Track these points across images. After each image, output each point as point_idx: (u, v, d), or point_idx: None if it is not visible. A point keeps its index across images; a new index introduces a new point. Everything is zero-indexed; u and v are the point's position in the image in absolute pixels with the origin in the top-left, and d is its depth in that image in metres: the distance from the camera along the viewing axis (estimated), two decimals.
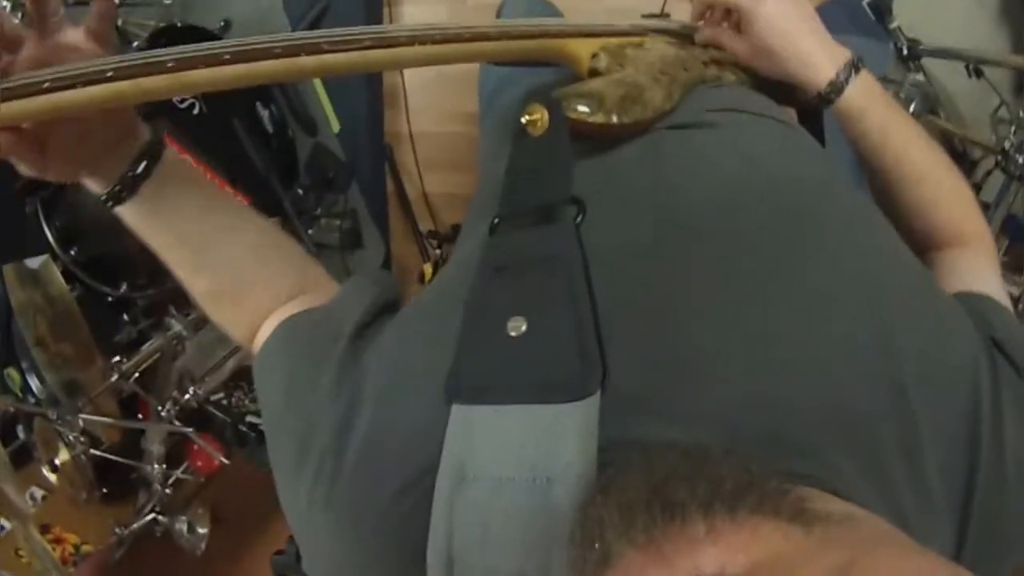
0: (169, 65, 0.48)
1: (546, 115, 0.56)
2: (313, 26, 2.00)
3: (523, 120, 0.57)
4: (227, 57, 0.50)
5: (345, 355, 0.51)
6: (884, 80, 2.02)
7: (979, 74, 1.90)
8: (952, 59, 1.96)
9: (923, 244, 0.72)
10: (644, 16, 0.86)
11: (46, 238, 1.57)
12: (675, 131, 0.63)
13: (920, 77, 2.02)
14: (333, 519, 0.46)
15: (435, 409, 0.44)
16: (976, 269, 0.67)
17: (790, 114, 0.77)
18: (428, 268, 2.20)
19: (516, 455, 0.41)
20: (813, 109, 0.78)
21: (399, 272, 2.42)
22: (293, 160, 2.13)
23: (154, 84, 0.48)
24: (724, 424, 0.43)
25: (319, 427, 0.48)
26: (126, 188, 0.56)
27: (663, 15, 0.89)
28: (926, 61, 2.07)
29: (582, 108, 0.58)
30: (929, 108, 2.11)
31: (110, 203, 0.57)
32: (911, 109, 1.90)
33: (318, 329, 0.55)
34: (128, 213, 0.58)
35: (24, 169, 0.53)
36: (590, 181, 0.55)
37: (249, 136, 1.89)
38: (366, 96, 2.18)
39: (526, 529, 0.39)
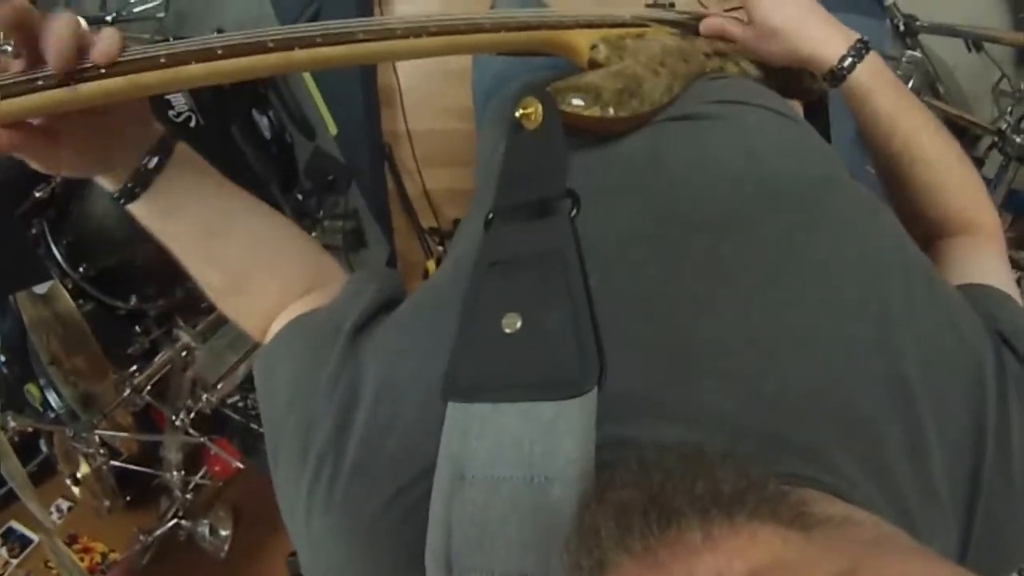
0: (162, 61, 0.48)
1: (540, 109, 0.55)
2: None
3: (517, 114, 0.56)
4: (220, 52, 0.50)
5: (343, 355, 0.50)
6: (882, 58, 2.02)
7: (979, 48, 1.90)
8: (949, 35, 1.95)
9: (931, 232, 0.71)
10: (648, 6, 0.86)
11: (47, 265, 1.58)
12: (675, 123, 0.62)
13: (917, 54, 2.02)
14: (332, 521, 0.46)
15: (431, 408, 0.44)
16: (984, 259, 0.66)
17: (795, 108, 0.77)
18: (431, 264, 2.21)
19: (513, 454, 0.40)
20: (818, 102, 0.78)
21: (404, 269, 2.42)
22: (293, 165, 2.14)
23: (148, 80, 0.48)
24: (724, 424, 0.42)
25: (317, 428, 0.48)
26: (139, 183, 0.56)
27: (667, 5, 0.88)
28: (924, 37, 2.06)
29: (577, 102, 0.57)
30: (928, 84, 2.10)
31: (123, 200, 0.57)
32: (909, 86, 1.90)
33: (319, 330, 0.55)
34: (141, 209, 0.58)
35: (37, 165, 0.52)
36: (587, 175, 0.55)
37: (248, 144, 1.89)
38: (362, 97, 2.18)
39: (524, 529, 0.39)
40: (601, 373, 0.41)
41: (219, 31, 1.97)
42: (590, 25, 0.69)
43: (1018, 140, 1.71)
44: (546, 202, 0.51)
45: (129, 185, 0.56)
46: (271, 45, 0.51)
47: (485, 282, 0.48)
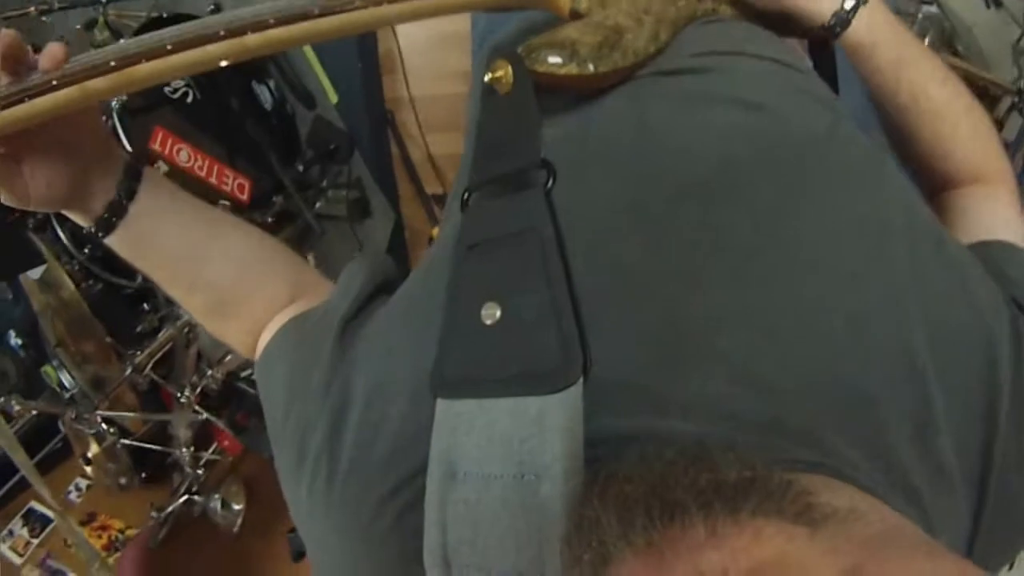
0: (111, 64, 0.47)
1: (511, 71, 0.52)
2: None
3: (487, 78, 0.53)
4: (169, 48, 0.48)
5: (334, 353, 0.50)
6: (896, 13, 1.96)
7: (998, 4, 1.84)
8: None
9: (940, 183, 0.68)
10: None
11: (40, 250, 1.60)
12: (662, 77, 0.59)
13: (933, 9, 1.96)
14: (332, 519, 0.46)
15: (422, 405, 0.43)
16: (995, 209, 0.64)
17: (796, 51, 0.72)
18: (436, 232, 2.20)
19: (502, 451, 0.39)
20: (824, 45, 0.73)
21: (411, 236, 2.42)
22: (294, 135, 2.13)
23: (99, 86, 0.47)
24: (721, 411, 0.41)
25: (312, 431, 0.48)
26: (115, 213, 0.56)
27: None
28: None
29: (553, 59, 0.54)
30: (946, 41, 2.04)
31: (101, 232, 0.57)
32: (925, 43, 1.84)
33: (311, 329, 0.54)
34: (118, 241, 0.57)
35: (6, 196, 0.52)
36: (565, 141, 0.52)
37: (248, 116, 1.88)
38: (361, 64, 2.16)
39: (517, 527, 0.38)
40: (585, 363, 0.39)
41: (216, 6, 1.96)
42: None
43: None
44: (520, 174, 0.48)
45: (105, 215, 0.56)
46: (222, 33, 0.49)
47: (464, 268, 0.46)
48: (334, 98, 2.17)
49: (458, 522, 0.39)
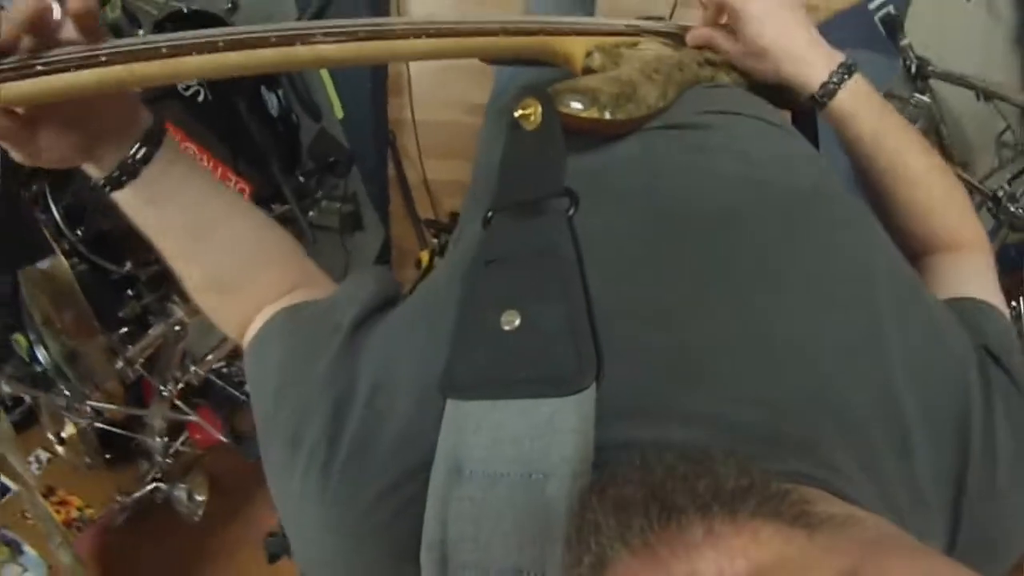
0: (163, 51, 0.49)
1: (540, 109, 0.57)
2: (319, 14, 2.01)
3: (517, 114, 0.57)
4: (220, 44, 0.50)
5: (342, 348, 0.51)
6: (890, 96, 2.04)
7: (988, 97, 1.92)
8: (959, 85, 1.97)
9: (919, 249, 0.72)
10: (640, 18, 0.87)
11: (49, 240, 1.59)
12: (669, 130, 0.63)
13: (925, 98, 2.04)
14: (324, 511, 0.46)
15: (429, 405, 0.45)
16: (971, 273, 0.67)
17: (784, 117, 0.78)
18: (425, 255, 2.21)
19: (512, 450, 0.41)
20: (808, 112, 0.79)
21: (398, 256, 2.43)
22: (297, 144, 2.14)
23: (147, 70, 0.49)
24: (722, 423, 0.43)
25: (311, 418, 0.48)
26: (126, 173, 0.56)
27: (659, 18, 0.90)
28: (934, 81, 2.08)
29: (575, 104, 0.59)
30: (933, 129, 2.12)
31: (108, 187, 0.57)
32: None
33: (317, 320, 0.55)
34: (125, 198, 0.58)
35: (16, 155, 0.53)
36: (585, 176, 0.56)
37: (253, 120, 1.89)
38: (370, 83, 2.20)
39: (521, 525, 0.39)
40: (599, 371, 0.42)
41: (232, 4, 1.98)
42: (586, 32, 0.71)
43: (1012, 209, 1.71)
44: (544, 200, 0.52)
45: (115, 174, 0.56)
46: (273, 40, 0.53)
47: (483, 279, 0.49)
48: (340, 113, 2.19)
49: (461, 519, 0.40)
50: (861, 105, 0.73)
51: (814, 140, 0.83)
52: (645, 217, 0.54)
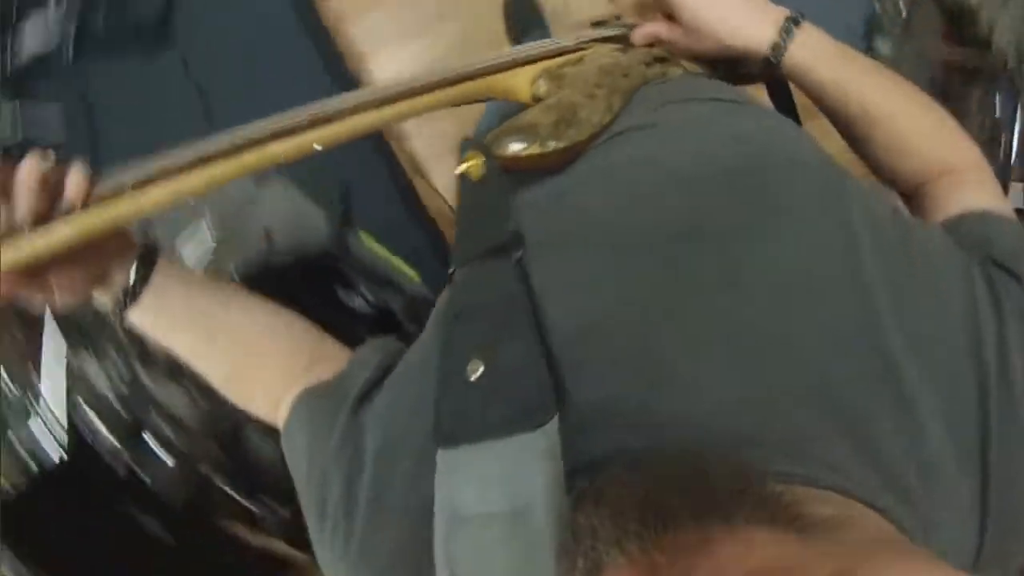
0: (129, 187, 0.53)
1: (481, 160, 0.58)
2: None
3: (459, 171, 0.59)
4: (180, 168, 0.54)
5: (349, 420, 0.55)
6: None
7: None
8: None
9: (914, 184, 0.71)
10: (593, 23, 0.86)
11: None
12: (618, 138, 0.63)
13: None
14: (353, 571, 0.50)
15: (427, 458, 0.47)
16: (969, 190, 0.66)
17: (749, 92, 0.77)
18: None
19: (496, 490, 0.42)
20: (778, 80, 0.78)
21: None
22: (396, 322, 2.11)
23: (119, 210, 0.54)
24: (702, 432, 0.43)
25: (331, 489, 0.53)
26: (129, 296, 0.61)
27: (615, 19, 0.87)
28: None
29: (514, 145, 0.60)
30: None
31: (118, 311, 0.62)
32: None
33: (329, 398, 0.59)
34: (137, 319, 0.63)
35: (36, 304, 0.58)
36: (537, 210, 0.57)
37: (355, 326, 1.91)
38: (422, 232, 2.22)
39: (516, 560, 0.41)
40: (560, 401, 0.44)
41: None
42: (528, 61, 0.71)
43: None
44: (495, 250, 0.54)
45: (121, 298, 0.61)
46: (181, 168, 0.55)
47: (451, 334, 0.51)
48: (416, 277, 2.20)
49: (465, 561, 0.42)
50: (815, 54, 0.71)
51: (790, 109, 0.82)
52: (604, 237, 0.55)
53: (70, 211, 0.52)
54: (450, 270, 0.56)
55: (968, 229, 0.57)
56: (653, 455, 0.38)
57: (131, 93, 2.01)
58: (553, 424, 0.43)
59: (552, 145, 0.61)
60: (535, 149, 0.60)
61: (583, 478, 0.41)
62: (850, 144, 0.75)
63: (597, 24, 0.87)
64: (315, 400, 0.60)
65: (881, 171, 0.74)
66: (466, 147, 0.60)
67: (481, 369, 0.47)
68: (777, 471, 0.39)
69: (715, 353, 0.46)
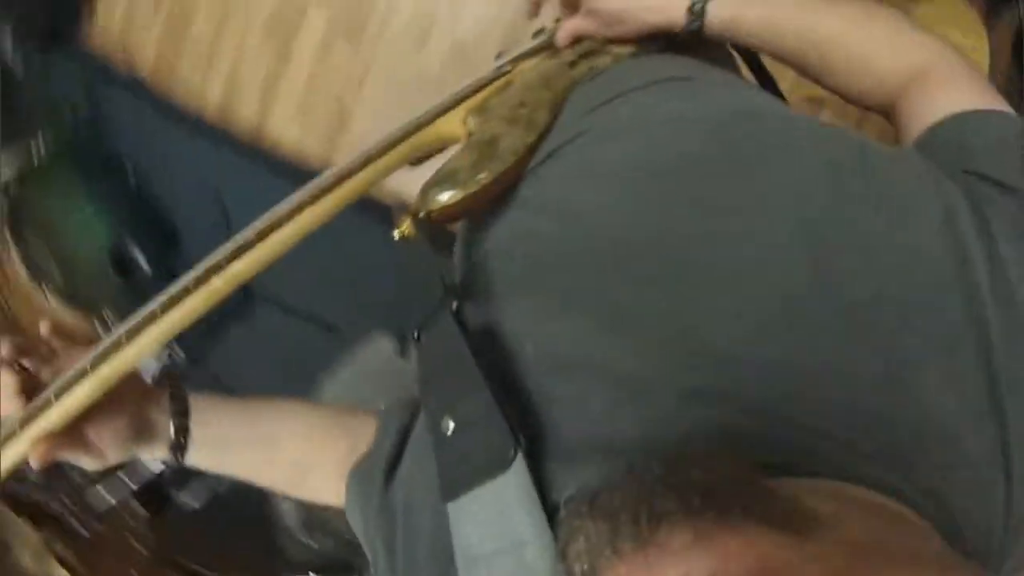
0: (123, 341, 0.58)
1: (408, 220, 0.60)
2: None
3: (395, 234, 0.61)
4: (158, 312, 0.59)
5: (381, 495, 0.61)
6: None
7: None
8: None
9: (884, 101, 0.67)
10: (535, 35, 0.86)
11: None
12: (550, 161, 0.63)
13: None
14: None
15: (441, 511, 0.50)
16: (937, 91, 0.61)
17: (697, 65, 0.74)
18: None
19: (495, 530, 0.45)
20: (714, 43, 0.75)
21: None
22: None
23: (119, 365, 0.58)
24: (680, 433, 0.44)
25: (378, 557, 0.60)
26: (178, 447, 0.67)
27: (557, 20, 0.85)
28: None
29: (440, 196, 0.60)
30: None
31: (176, 461, 0.67)
32: None
33: (365, 475, 0.65)
34: (193, 460, 0.68)
35: (86, 464, 0.63)
36: (478, 252, 0.59)
37: None
38: None
39: None
40: (516, 439, 0.45)
41: None
42: (452, 105, 0.72)
43: None
44: (438, 305, 0.55)
45: (172, 450, 0.67)
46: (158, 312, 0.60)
47: (425, 398, 0.54)
48: None
49: None
50: (734, 6, 0.69)
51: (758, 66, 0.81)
52: (552, 268, 0.55)
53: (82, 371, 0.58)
54: (414, 336, 0.58)
55: (944, 140, 0.54)
56: (646, 459, 0.38)
57: None
58: (519, 463, 0.44)
59: (478, 184, 0.61)
60: (460, 193, 0.61)
61: (568, 507, 0.41)
62: (819, 83, 0.71)
63: (538, 34, 0.86)
64: (356, 483, 0.67)
65: (853, 98, 0.70)
66: (398, 211, 0.62)
67: (452, 425, 0.50)
68: (772, 463, 0.38)
69: (678, 360, 0.47)
